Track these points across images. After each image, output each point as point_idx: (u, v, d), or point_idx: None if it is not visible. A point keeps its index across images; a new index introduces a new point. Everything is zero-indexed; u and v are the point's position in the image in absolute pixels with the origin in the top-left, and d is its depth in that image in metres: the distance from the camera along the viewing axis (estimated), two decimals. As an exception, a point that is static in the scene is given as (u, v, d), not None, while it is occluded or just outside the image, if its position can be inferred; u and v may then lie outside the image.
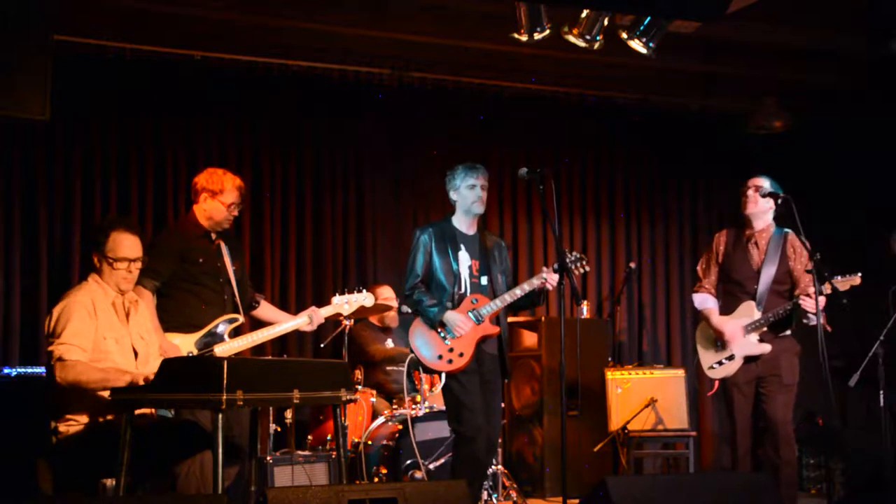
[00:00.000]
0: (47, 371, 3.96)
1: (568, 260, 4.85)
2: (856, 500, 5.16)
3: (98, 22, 6.03)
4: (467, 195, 4.90)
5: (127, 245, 4.03)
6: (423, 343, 4.82)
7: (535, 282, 4.82)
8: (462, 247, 4.92)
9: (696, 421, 7.13)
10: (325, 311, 5.10)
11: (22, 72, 4.55)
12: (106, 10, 5.97)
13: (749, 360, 5.06)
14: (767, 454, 5.01)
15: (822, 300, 4.77)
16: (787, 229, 5.14)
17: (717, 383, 5.17)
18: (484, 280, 4.92)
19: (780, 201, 4.95)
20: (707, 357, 5.20)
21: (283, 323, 4.97)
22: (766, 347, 5.03)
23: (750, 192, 5.12)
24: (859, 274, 4.93)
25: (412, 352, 4.87)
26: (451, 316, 4.77)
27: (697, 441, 6.53)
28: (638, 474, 6.37)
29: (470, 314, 4.80)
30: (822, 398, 4.84)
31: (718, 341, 5.14)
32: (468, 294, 4.86)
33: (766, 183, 5.09)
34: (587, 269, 4.96)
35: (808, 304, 4.87)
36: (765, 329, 5.04)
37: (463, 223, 4.97)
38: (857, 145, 7.61)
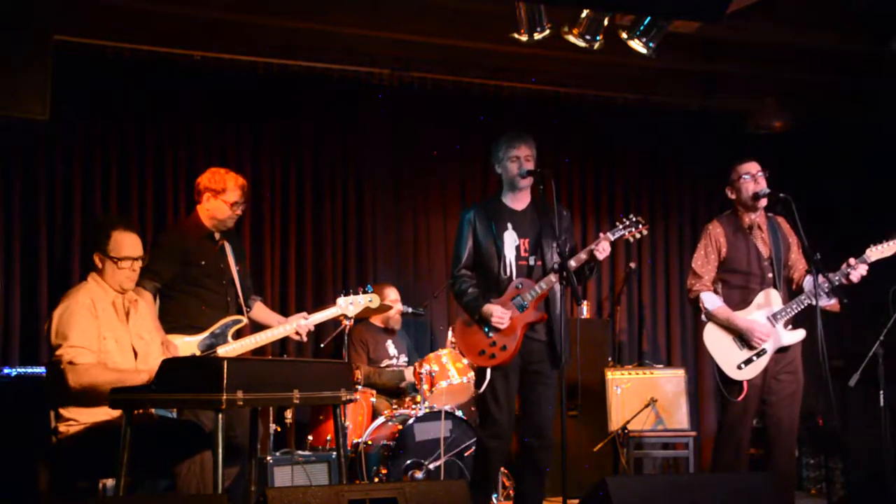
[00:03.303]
0: (49, 372, 3.95)
1: (623, 225, 4.67)
2: (856, 500, 5.16)
3: (98, 22, 6.03)
4: (511, 168, 4.62)
5: (129, 244, 4.03)
6: (465, 338, 4.59)
7: (582, 255, 4.54)
8: (509, 225, 4.61)
9: (697, 421, 7.13)
10: (315, 319, 4.95)
11: (22, 72, 4.56)
12: (106, 10, 5.96)
13: (780, 350, 4.85)
14: (767, 456, 4.92)
15: (863, 272, 4.75)
16: (769, 213, 5.06)
17: (745, 384, 4.82)
18: (532, 260, 4.61)
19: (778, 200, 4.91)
20: (731, 357, 4.86)
21: (277, 326, 4.92)
22: (803, 332, 4.84)
23: (756, 174, 4.91)
24: None
25: (457, 348, 4.61)
26: (487, 309, 4.50)
27: (697, 441, 6.53)
28: (638, 474, 6.36)
29: (513, 302, 4.53)
30: (822, 398, 4.84)
31: (742, 339, 4.84)
32: (514, 278, 4.57)
33: (759, 168, 4.96)
34: (645, 233, 4.71)
35: (854, 274, 4.75)
36: (792, 316, 4.85)
37: (511, 198, 4.68)
38: (857, 145, 7.61)
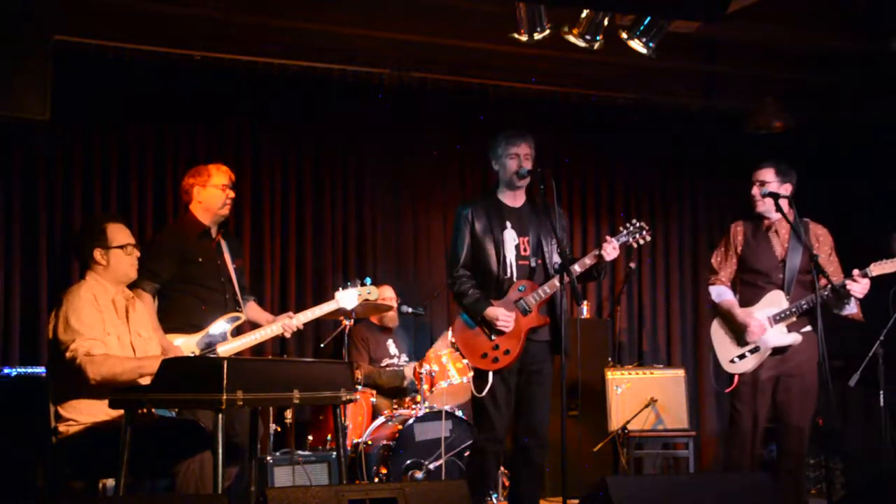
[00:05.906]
0: (55, 370, 3.94)
1: (626, 231, 4.67)
2: (856, 500, 5.15)
3: (98, 22, 6.03)
4: (509, 165, 4.55)
5: (124, 232, 4.09)
6: (466, 340, 4.51)
7: (587, 261, 4.51)
8: (508, 224, 4.54)
9: (696, 421, 7.13)
10: (305, 316, 4.92)
11: (22, 72, 4.56)
12: (106, 10, 5.96)
13: (776, 351, 4.88)
14: (777, 458, 4.93)
15: (866, 286, 4.77)
16: (805, 218, 5.07)
17: (736, 378, 4.92)
18: (534, 262, 4.55)
19: (779, 201, 4.91)
20: (727, 350, 4.98)
21: (265, 326, 4.90)
22: (797, 337, 4.86)
23: (755, 192, 4.99)
24: None
25: (456, 349, 4.55)
26: (492, 311, 4.42)
27: (697, 441, 6.53)
28: (638, 474, 6.36)
29: (516, 305, 4.47)
30: (822, 398, 4.85)
31: (741, 333, 4.92)
32: (515, 279, 4.51)
33: (770, 175, 4.99)
34: (648, 238, 4.72)
35: (855, 288, 4.77)
36: (793, 319, 4.88)
37: (508, 196, 4.62)
38: (857, 145, 7.60)
